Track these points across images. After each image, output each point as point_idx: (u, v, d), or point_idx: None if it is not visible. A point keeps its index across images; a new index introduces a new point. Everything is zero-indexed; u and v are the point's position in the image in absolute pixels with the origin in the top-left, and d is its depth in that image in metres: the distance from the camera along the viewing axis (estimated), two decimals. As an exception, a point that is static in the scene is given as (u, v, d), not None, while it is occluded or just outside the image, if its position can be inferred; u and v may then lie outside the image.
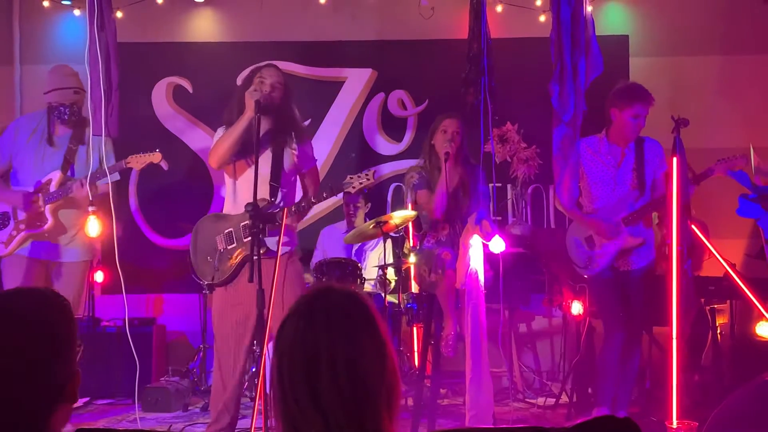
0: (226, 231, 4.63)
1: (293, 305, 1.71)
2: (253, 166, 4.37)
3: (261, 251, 4.27)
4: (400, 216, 5.80)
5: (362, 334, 1.65)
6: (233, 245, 4.60)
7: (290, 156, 4.66)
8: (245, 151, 4.56)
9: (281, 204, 4.56)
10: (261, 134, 4.47)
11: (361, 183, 4.51)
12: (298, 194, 4.82)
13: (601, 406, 5.00)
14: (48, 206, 5.06)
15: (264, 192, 4.49)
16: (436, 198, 5.01)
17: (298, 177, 4.79)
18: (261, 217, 4.31)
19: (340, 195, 6.60)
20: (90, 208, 4.82)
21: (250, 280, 4.19)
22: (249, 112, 4.46)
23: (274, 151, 4.61)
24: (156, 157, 5.03)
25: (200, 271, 4.75)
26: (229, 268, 4.60)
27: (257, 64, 4.80)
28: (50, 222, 5.08)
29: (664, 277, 4.69)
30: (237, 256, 4.59)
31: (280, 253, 4.45)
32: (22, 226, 5.09)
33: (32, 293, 1.83)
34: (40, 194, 5.07)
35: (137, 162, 5.01)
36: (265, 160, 4.55)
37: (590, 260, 5.09)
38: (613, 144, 5.05)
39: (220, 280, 4.63)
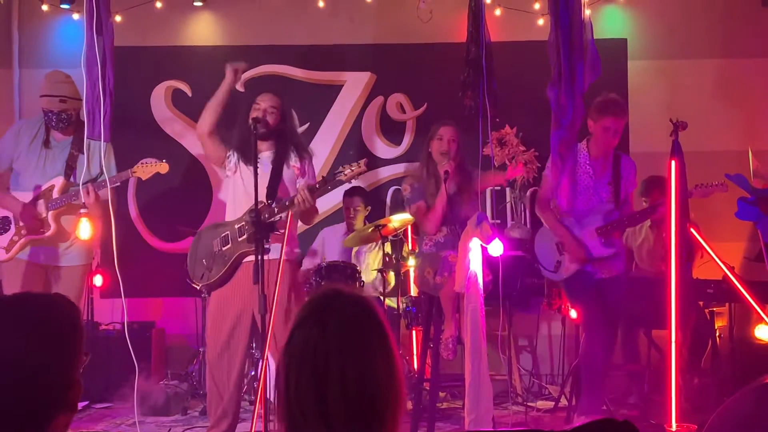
0: (223, 234, 4.74)
1: (303, 310, 1.67)
2: (251, 166, 4.48)
3: (256, 250, 4.35)
4: (398, 220, 5.81)
5: (375, 349, 1.61)
6: (228, 245, 4.69)
7: (290, 171, 4.75)
8: (244, 157, 4.70)
9: (280, 203, 4.62)
10: (260, 155, 4.60)
11: (352, 170, 4.56)
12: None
13: (593, 414, 4.98)
14: (51, 213, 5.05)
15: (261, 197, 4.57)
16: (432, 213, 5.04)
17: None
18: (261, 225, 4.38)
19: (340, 198, 6.66)
20: (81, 211, 4.81)
21: (255, 282, 4.27)
22: (227, 80, 4.86)
23: (274, 166, 4.72)
24: (163, 167, 5.03)
25: (194, 274, 4.84)
26: (222, 267, 4.66)
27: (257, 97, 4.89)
28: (53, 228, 5.06)
29: (664, 280, 4.69)
30: (231, 256, 4.65)
31: (284, 258, 4.55)
32: (24, 232, 5.07)
33: (43, 298, 1.82)
34: (42, 200, 5.05)
35: (143, 171, 5.00)
36: (263, 173, 4.65)
37: (559, 265, 5.10)
38: (592, 155, 5.07)
39: (211, 280, 4.72)
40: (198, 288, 4.94)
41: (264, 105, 4.76)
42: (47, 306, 1.78)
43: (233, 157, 4.82)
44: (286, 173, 4.75)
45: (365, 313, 1.65)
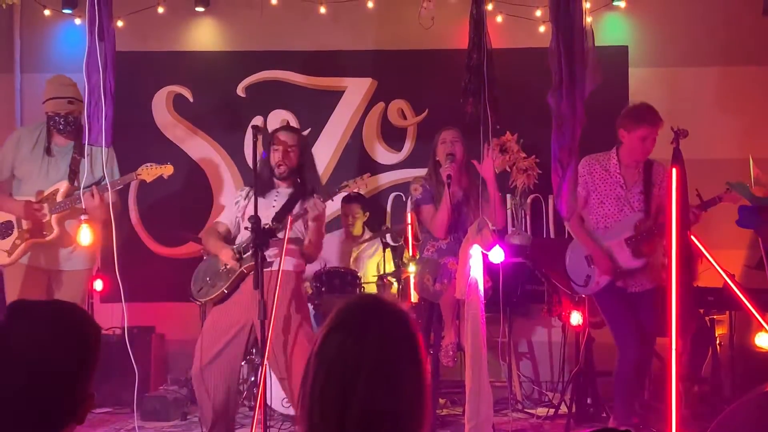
0: None
1: (340, 314, 1.64)
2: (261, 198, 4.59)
3: (255, 255, 4.43)
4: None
5: (407, 370, 1.59)
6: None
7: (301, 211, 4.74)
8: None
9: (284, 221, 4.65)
10: (278, 189, 4.80)
11: (356, 184, 4.68)
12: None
13: (621, 425, 4.96)
14: (54, 216, 5.05)
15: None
16: (439, 217, 5.03)
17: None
18: (262, 231, 4.43)
19: (338, 205, 6.66)
20: (82, 217, 4.82)
21: (255, 288, 4.33)
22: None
23: (289, 199, 4.79)
24: (168, 169, 5.03)
25: (196, 291, 4.88)
26: (225, 282, 4.67)
27: (278, 128, 4.97)
28: (56, 232, 5.06)
29: (665, 288, 4.69)
30: (234, 271, 4.66)
31: (291, 269, 4.68)
32: (27, 236, 5.06)
33: (75, 310, 1.83)
34: (45, 204, 5.05)
35: (148, 174, 5.01)
36: (279, 205, 4.76)
37: (589, 279, 5.06)
38: (623, 164, 5.06)
39: (212, 295, 4.74)
40: (200, 303, 4.96)
41: (284, 145, 4.79)
42: (79, 317, 1.79)
43: (241, 200, 4.88)
44: (297, 211, 4.76)
45: (404, 330, 1.62)
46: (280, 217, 4.68)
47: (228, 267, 4.70)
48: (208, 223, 6.85)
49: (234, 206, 4.91)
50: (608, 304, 5.07)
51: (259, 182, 4.68)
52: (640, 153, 5.00)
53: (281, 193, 4.81)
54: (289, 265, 4.68)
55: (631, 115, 5.02)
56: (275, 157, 4.78)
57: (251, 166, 4.86)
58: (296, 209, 4.72)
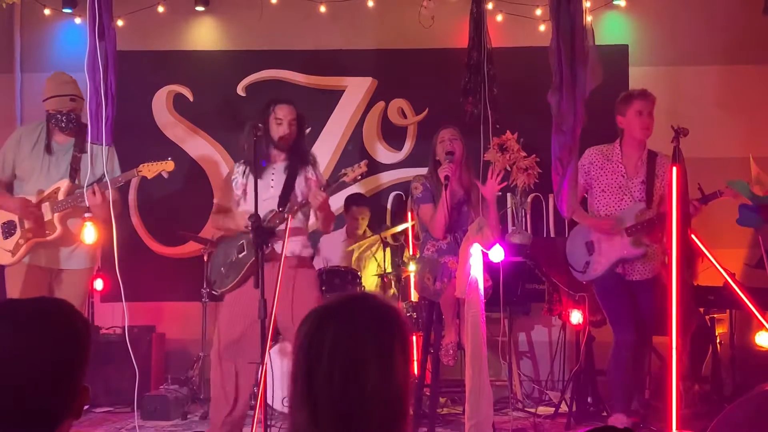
0: (240, 243, 4.77)
1: (323, 304, 1.69)
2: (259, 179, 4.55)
3: (256, 254, 4.43)
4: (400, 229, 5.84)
5: (373, 360, 1.59)
6: (244, 253, 4.74)
7: (304, 181, 4.78)
8: (252, 169, 4.69)
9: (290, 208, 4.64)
10: (274, 165, 4.77)
11: (354, 172, 4.61)
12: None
13: (617, 412, 5.00)
14: (56, 215, 5.04)
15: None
16: (436, 218, 5.02)
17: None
18: (262, 229, 4.43)
19: (340, 203, 6.67)
20: (86, 215, 4.82)
21: (256, 287, 4.32)
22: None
23: (288, 174, 4.77)
24: (169, 165, 5.02)
25: (212, 282, 4.94)
26: (237, 274, 4.68)
27: (273, 100, 4.89)
28: (59, 231, 5.05)
29: (666, 286, 4.69)
30: (246, 262, 4.67)
31: (304, 255, 4.76)
32: (30, 235, 5.05)
33: (60, 304, 1.82)
34: (47, 203, 5.04)
35: (149, 170, 5.00)
36: (278, 183, 4.73)
37: (588, 265, 5.12)
38: (625, 154, 5.09)
39: (227, 287, 4.76)
40: (217, 294, 4.98)
41: (287, 119, 4.78)
42: (66, 312, 1.79)
43: (239, 177, 4.83)
44: (299, 184, 4.76)
45: (372, 324, 1.63)
46: (283, 200, 4.68)
47: (240, 257, 4.71)
48: (208, 222, 6.85)
49: (231, 184, 4.88)
50: (606, 290, 5.13)
51: (257, 171, 4.65)
52: (639, 129, 5.04)
53: (277, 169, 4.79)
54: (308, 252, 4.84)
55: (621, 98, 5.16)
56: (279, 130, 4.76)
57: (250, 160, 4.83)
58: (296, 185, 4.74)
